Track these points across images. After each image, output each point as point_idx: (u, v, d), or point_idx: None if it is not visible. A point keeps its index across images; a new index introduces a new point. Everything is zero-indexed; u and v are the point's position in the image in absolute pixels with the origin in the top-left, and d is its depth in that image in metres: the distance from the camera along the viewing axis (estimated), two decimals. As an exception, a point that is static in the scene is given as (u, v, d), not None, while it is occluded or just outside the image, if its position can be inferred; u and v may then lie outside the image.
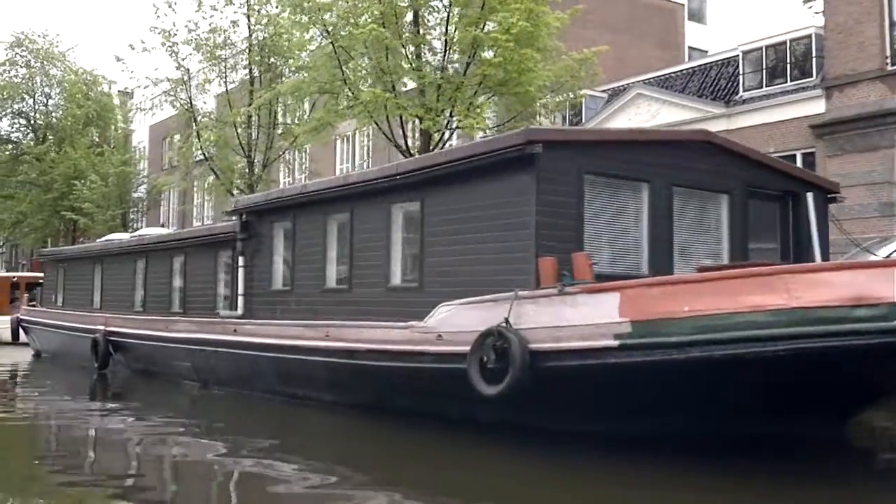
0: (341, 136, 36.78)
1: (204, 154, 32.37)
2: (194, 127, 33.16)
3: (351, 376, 11.20)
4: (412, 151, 23.82)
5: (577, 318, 8.55)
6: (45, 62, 50.95)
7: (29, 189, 49.43)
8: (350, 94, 23.20)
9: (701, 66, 28.88)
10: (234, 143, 31.55)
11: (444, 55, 22.77)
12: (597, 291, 8.55)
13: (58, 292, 22.39)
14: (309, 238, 13.14)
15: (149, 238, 18.84)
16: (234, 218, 14.80)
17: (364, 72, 23.25)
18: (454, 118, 23.41)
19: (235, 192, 32.43)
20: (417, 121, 23.47)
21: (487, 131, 22.92)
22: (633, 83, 29.31)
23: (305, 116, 31.96)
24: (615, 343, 8.22)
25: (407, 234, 11.54)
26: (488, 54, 22.43)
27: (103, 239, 23.24)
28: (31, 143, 47.50)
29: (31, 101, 51.22)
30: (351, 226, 12.26)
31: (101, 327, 18.01)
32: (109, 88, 51.74)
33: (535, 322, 8.86)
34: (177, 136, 52.86)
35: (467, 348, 9.30)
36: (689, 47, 36.37)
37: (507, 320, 8.95)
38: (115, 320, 17.88)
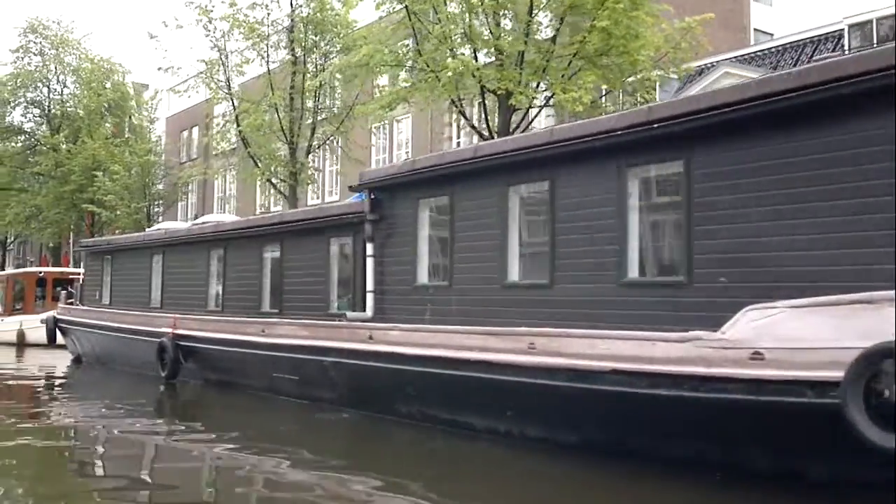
0: (394, 121, 33.37)
1: (243, 140, 28.83)
2: (233, 111, 29.62)
3: (579, 406, 7.74)
4: (492, 132, 20.43)
5: None
6: (59, 49, 47.21)
7: (45, 181, 45.67)
8: (426, 66, 19.78)
9: (794, 42, 25.58)
10: (276, 128, 28.02)
11: (529, 22, 19.33)
12: None
13: (104, 288, 18.78)
14: (478, 217, 9.67)
15: (228, 225, 15.27)
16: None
17: (438, 41, 19.74)
18: (544, 93, 20.08)
19: (275, 180, 28.96)
20: (494, 97, 20.10)
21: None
22: (719, 62, 25.93)
23: (351, 96, 28.82)
24: None
25: (652, 206, 8.13)
26: (585, 20, 19.17)
27: (154, 228, 19.63)
28: (47, 133, 43.64)
29: (45, 90, 47.47)
30: (552, 198, 8.81)
31: (169, 330, 14.50)
32: (123, 79, 47.95)
33: (965, 336, 5.48)
34: (196, 129, 49.42)
35: (820, 374, 5.94)
36: (755, 29, 33.06)
37: (908, 332, 5.57)
38: (188, 322, 14.35)
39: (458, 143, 33.71)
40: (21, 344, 25.81)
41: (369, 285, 10.87)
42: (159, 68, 29.70)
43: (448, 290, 9.98)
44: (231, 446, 9.13)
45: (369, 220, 10.83)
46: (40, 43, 46.91)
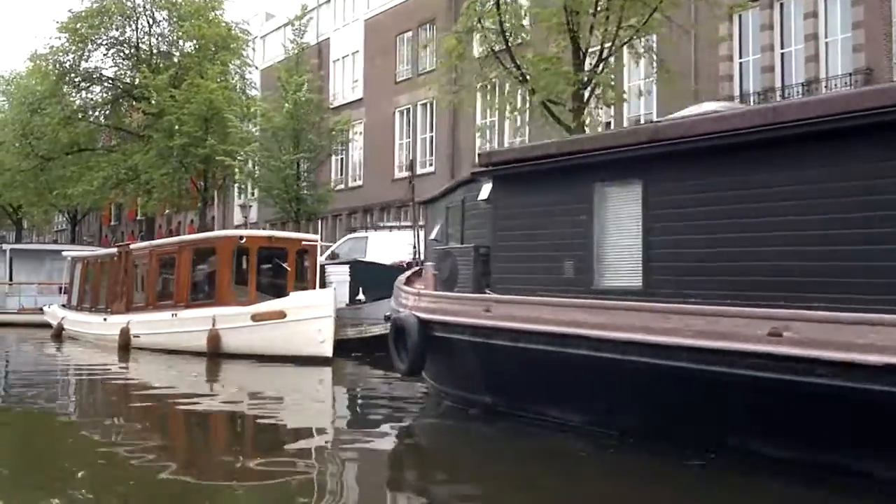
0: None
1: (491, 48, 17.16)
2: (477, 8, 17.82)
3: None
4: None
5: None
6: (148, -22, 35.39)
7: (138, 138, 33.87)
8: None
9: None
10: (556, 21, 16.46)
11: None
12: None
13: (589, 259, 7.20)
14: None
15: None
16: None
17: None
18: None
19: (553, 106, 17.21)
20: None
21: None
22: None
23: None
24: None
25: None
26: None
27: (700, 110, 7.95)
28: (148, 73, 31.68)
29: (132, 28, 35.51)
30: None
31: None
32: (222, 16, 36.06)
33: None
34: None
35: None
36: None
37: None
38: None
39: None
40: (214, 354, 14.35)
41: None
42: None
43: None
44: None
45: None
46: (124, -29, 35.05)
